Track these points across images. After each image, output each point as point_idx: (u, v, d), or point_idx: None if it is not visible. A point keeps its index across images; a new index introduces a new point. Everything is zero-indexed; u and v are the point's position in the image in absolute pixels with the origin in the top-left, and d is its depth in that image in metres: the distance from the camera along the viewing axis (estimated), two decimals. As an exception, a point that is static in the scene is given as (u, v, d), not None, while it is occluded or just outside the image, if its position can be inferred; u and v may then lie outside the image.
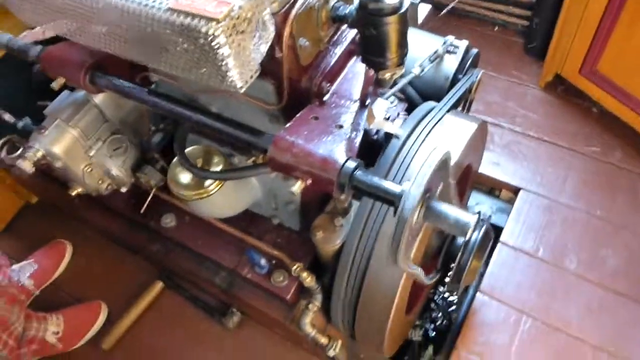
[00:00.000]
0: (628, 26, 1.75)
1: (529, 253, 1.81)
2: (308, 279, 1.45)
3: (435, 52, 1.55)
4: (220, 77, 0.84)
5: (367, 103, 1.24)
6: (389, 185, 0.96)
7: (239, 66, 0.83)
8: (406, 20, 0.98)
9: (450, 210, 0.96)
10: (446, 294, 1.99)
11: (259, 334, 1.79)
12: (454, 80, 1.58)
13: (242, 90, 0.88)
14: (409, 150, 1.34)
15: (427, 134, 1.37)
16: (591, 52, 1.93)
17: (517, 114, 2.15)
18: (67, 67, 1.21)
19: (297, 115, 1.07)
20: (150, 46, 0.90)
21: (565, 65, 2.06)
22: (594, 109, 2.09)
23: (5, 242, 2.03)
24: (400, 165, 1.32)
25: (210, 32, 0.76)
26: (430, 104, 1.48)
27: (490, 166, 2.01)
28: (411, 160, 1.32)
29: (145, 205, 1.64)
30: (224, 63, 0.81)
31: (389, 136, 1.42)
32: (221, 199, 1.38)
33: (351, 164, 0.97)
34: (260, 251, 1.54)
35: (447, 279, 1.88)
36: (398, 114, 1.57)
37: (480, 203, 2.05)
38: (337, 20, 1.06)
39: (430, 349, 1.95)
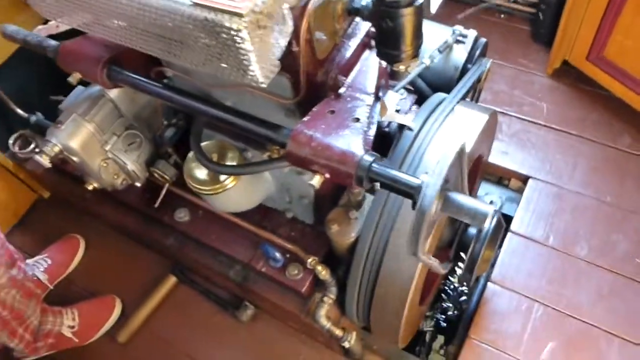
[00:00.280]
0: (635, 11, 1.75)
1: (539, 241, 1.82)
2: (323, 272, 1.47)
3: (445, 42, 1.55)
4: (242, 72, 0.85)
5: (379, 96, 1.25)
6: (407, 177, 0.97)
7: (261, 61, 0.84)
8: (422, 12, 0.98)
9: (467, 201, 0.97)
10: (456, 284, 2.01)
11: (272, 327, 1.80)
12: (464, 70, 1.59)
13: (264, 85, 0.88)
14: (421, 142, 1.35)
15: (439, 126, 1.38)
16: (598, 38, 1.93)
17: (524, 102, 2.15)
18: (84, 62, 1.22)
19: (314, 109, 1.07)
20: (171, 40, 0.91)
21: (573, 52, 2.06)
22: (603, 95, 2.09)
23: (19, 237, 2.04)
24: (414, 157, 1.33)
25: (234, 26, 0.77)
26: (441, 95, 1.48)
27: (499, 155, 2.01)
28: (424, 152, 1.33)
29: (159, 199, 1.66)
30: (246, 58, 0.82)
31: (400, 128, 1.43)
32: (236, 193, 1.39)
33: (369, 157, 0.98)
34: (275, 245, 1.56)
35: (457, 269, 1.91)
36: (409, 106, 1.58)
37: (490, 193, 2.06)
38: (353, 13, 1.06)
39: (440, 339, 1.97)
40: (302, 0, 0.94)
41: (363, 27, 1.19)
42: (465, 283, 1.85)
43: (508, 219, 1.88)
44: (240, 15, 0.76)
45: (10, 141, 1.88)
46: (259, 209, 1.60)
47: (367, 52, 1.20)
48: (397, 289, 1.33)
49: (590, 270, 1.74)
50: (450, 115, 1.40)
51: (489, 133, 1.58)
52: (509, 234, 1.84)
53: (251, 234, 1.62)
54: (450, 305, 1.99)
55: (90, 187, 1.56)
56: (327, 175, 1.01)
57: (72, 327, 1.76)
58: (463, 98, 1.48)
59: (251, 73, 0.85)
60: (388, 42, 1.02)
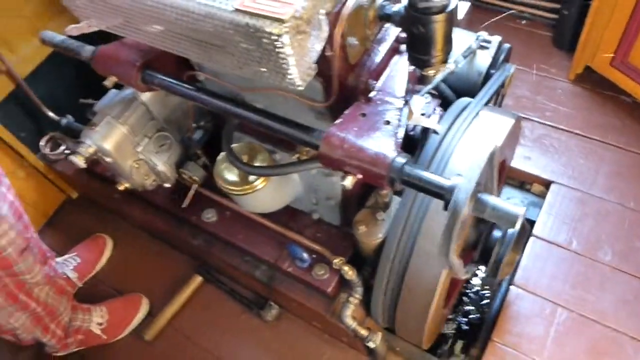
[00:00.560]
0: (662, 17, 1.76)
1: (562, 246, 1.82)
2: (350, 273, 1.49)
3: (469, 47, 1.57)
4: (280, 76, 0.88)
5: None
6: (438, 179, 0.99)
7: (299, 65, 0.87)
8: (453, 18, 1.01)
9: (498, 202, 0.99)
10: (478, 288, 2.02)
11: (296, 326, 1.83)
12: (487, 76, 1.60)
13: (301, 88, 0.91)
14: (448, 146, 1.37)
15: (465, 130, 1.40)
16: (623, 44, 1.93)
17: (547, 107, 2.15)
18: (120, 66, 1.26)
19: (346, 112, 1.10)
20: (210, 45, 0.94)
21: (596, 58, 2.06)
22: (626, 101, 2.09)
23: (48, 236, 2.09)
24: (440, 160, 1.35)
25: (276, 32, 0.79)
26: (466, 99, 1.50)
27: (522, 160, 2.02)
28: (450, 155, 1.35)
29: (188, 200, 1.70)
30: (285, 62, 0.85)
31: (424, 132, 1.45)
32: (265, 194, 1.42)
33: (401, 159, 1.01)
34: (301, 245, 1.58)
35: (479, 273, 1.91)
36: (434, 110, 1.60)
37: (512, 197, 2.07)
38: (384, 19, 1.09)
39: (460, 343, 1.98)
40: (336, 6, 0.97)
41: (392, 32, 1.21)
42: (488, 286, 1.86)
43: (530, 223, 1.89)
44: (282, 21, 0.79)
45: (42, 143, 1.94)
46: (285, 210, 1.63)
47: (396, 57, 1.23)
48: (423, 290, 1.35)
49: (614, 275, 1.74)
50: (475, 120, 1.42)
51: (513, 138, 1.59)
52: (531, 238, 1.85)
53: (278, 235, 1.65)
54: (472, 308, 2.00)
55: (121, 188, 1.60)
56: (360, 176, 1.03)
57: (101, 324, 1.80)
58: (487, 103, 1.50)
59: (289, 77, 0.88)
60: (419, 48, 1.04)
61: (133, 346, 1.86)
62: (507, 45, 1.63)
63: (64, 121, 1.91)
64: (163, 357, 1.84)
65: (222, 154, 1.43)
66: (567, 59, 2.25)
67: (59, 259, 1.91)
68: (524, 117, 2.11)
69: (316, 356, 1.78)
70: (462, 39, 1.62)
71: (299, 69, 0.87)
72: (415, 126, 1.46)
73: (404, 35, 1.20)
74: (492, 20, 2.23)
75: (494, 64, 1.60)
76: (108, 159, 1.47)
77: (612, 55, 1.99)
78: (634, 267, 1.74)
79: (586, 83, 2.18)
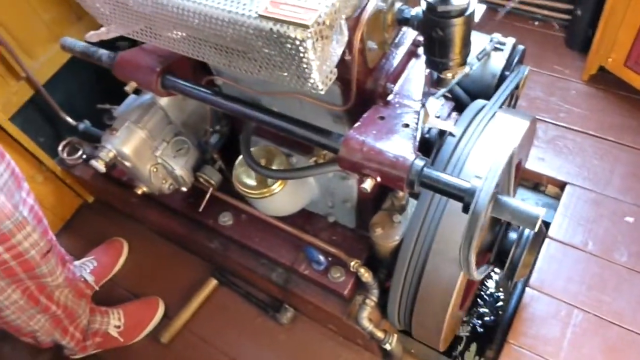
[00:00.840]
0: (677, 17, 1.75)
1: (577, 247, 1.82)
2: (366, 275, 1.50)
3: (483, 50, 1.58)
4: (302, 80, 0.89)
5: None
6: (458, 181, 1.00)
7: (321, 69, 0.88)
8: (472, 22, 1.01)
9: (518, 204, 0.99)
10: (493, 290, 2.02)
11: (312, 329, 1.83)
12: (501, 78, 1.61)
13: (322, 92, 0.92)
14: (464, 148, 1.37)
15: (481, 132, 1.40)
16: (637, 44, 1.93)
17: (560, 108, 2.15)
18: (140, 72, 1.27)
19: (364, 115, 1.11)
20: (232, 50, 0.95)
21: (610, 58, 2.06)
22: (640, 102, 2.09)
23: (65, 240, 2.10)
24: (457, 162, 1.35)
25: (300, 37, 0.81)
26: (481, 101, 1.51)
27: (536, 161, 2.02)
28: (467, 157, 1.35)
29: (204, 204, 1.71)
30: (308, 67, 0.86)
31: (440, 134, 1.46)
32: (283, 197, 1.44)
33: (420, 162, 1.01)
34: (317, 248, 1.59)
35: (494, 275, 1.91)
36: (449, 113, 1.60)
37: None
38: (402, 23, 1.10)
39: (474, 346, 1.98)
40: (356, 11, 0.98)
41: (409, 35, 1.22)
42: (503, 288, 1.86)
43: (545, 224, 1.89)
44: (306, 27, 0.80)
45: (60, 148, 1.97)
46: (301, 213, 1.64)
47: (413, 60, 1.24)
48: (440, 292, 1.35)
49: (630, 276, 1.73)
50: (491, 122, 1.42)
51: (528, 139, 1.60)
52: (546, 240, 1.84)
53: (293, 238, 1.66)
54: (487, 310, 2.00)
55: (139, 192, 1.62)
56: (379, 179, 1.04)
57: (118, 327, 1.81)
58: (501, 105, 1.51)
59: (311, 81, 0.89)
60: (437, 51, 1.05)
61: (149, 349, 1.87)
62: (521, 47, 1.63)
63: (81, 126, 1.94)
64: (179, 360, 1.86)
65: (240, 157, 1.44)
66: (581, 59, 2.25)
67: (76, 263, 1.93)
68: (537, 119, 2.11)
69: (331, 359, 1.78)
70: (476, 40, 1.62)
71: (320, 74, 0.88)
72: (430, 129, 1.46)
73: (421, 38, 1.21)
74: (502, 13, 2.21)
75: (508, 66, 1.60)
76: (127, 164, 1.48)
77: (626, 55, 1.99)
78: (650, 269, 1.74)
79: (600, 84, 2.18)
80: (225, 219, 1.73)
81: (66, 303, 1.58)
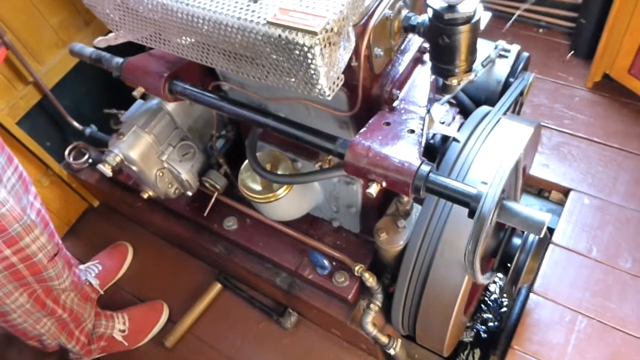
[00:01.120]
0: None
1: (582, 253, 1.82)
2: (370, 279, 1.50)
3: (488, 57, 1.59)
4: (310, 86, 0.90)
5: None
6: (463, 186, 1.00)
7: (328, 76, 0.89)
8: (478, 29, 1.02)
9: (523, 210, 1.00)
10: (496, 295, 2.02)
11: (315, 334, 1.84)
12: (506, 84, 1.62)
13: (329, 98, 0.93)
14: (468, 153, 1.38)
15: (485, 138, 1.41)
16: (641, 52, 1.94)
17: (565, 115, 2.16)
18: (148, 77, 1.28)
19: (370, 121, 1.12)
20: (240, 56, 0.96)
21: (614, 65, 2.07)
22: (645, 109, 2.09)
23: (70, 244, 2.12)
24: (461, 168, 1.36)
25: (308, 43, 0.82)
26: (486, 108, 1.51)
27: (540, 168, 2.03)
28: (471, 163, 1.36)
29: (209, 208, 1.72)
30: (315, 73, 0.87)
31: (444, 140, 1.47)
32: (288, 202, 1.44)
33: (426, 167, 1.02)
34: (322, 253, 1.60)
35: (498, 280, 1.91)
36: (453, 119, 1.61)
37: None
38: (409, 30, 1.11)
39: (477, 351, 1.98)
40: (363, 18, 0.99)
41: (415, 42, 1.23)
42: (507, 294, 1.86)
43: (550, 231, 1.89)
44: (314, 33, 0.81)
45: (66, 152, 1.98)
46: (305, 218, 1.65)
47: (419, 67, 1.25)
48: (444, 297, 1.35)
49: (635, 283, 1.73)
50: (495, 128, 1.43)
51: (533, 145, 1.60)
52: (550, 246, 1.85)
53: (297, 242, 1.67)
54: (491, 316, 2.00)
55: (145, 196, 1.63)
56: (384, 184, 1.05)
57: (123, 331, 1.82)
58: (506, 111, 1.51)
59: (319, 87, 0.90)
60: (443, 58, 1.06)
61: (154, 353, 1.88)
62: (525, 54, 1.64)
63: (87, 131, 1.95)
64: (183, 364, 1.86)
65: (245, 162, 1.45)
66: (585, 67, 2.26)
67: (81, 267, 1.94)
68: (542, 125, 2.12)
69: (335, 363, 1.79)
70: (481, 48, 1.63)
71: (327, 80, 0.89)
72: (434, 134, 1.47)
73: (426, 45, 1.22)
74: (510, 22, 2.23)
75: (512, 73, 1.61)
76: (134, 168, 1.49)
77: (630, 63, 1.99)
78: (655, 275, 1.74)
79: (604, 91, 2.19)
80: (230, 224, 1.74)
81: (72, 307, 1.59)
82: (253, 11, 0.88)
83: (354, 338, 1.72)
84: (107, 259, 2.03)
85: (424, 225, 1.34)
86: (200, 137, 1.65)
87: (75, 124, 1.94)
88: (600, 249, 1.82)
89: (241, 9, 0.88)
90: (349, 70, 1.05)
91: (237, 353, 1.84)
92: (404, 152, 1.04)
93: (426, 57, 1.26)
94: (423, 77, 1.24)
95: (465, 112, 1.58)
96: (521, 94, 1.64)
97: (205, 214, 1.75)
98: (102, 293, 1.94)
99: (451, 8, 0.96)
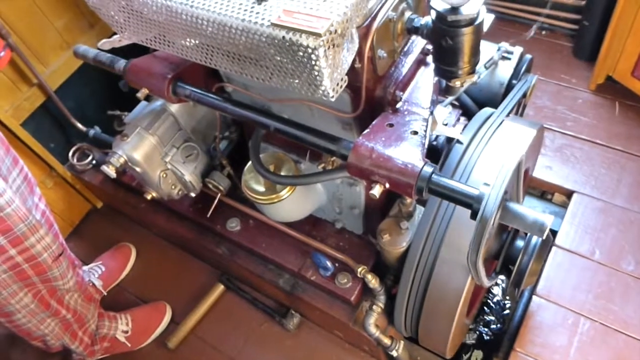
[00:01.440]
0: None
1: (585, 256, 1.82)
2: (373, 281, 1.50)
3: (490, 58, 1.59)
4: (313, 88, 0.91)
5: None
6: (466, 188, 1.00)
7: (332, 77, 0.89)
8: (481, 31, 1.02)
9: (526, 211, 1.00)
10: (499, 298, 2.02)
11: (318, 335, 1.84)
12: (509, 86, 1.62)
13: (333, 100, 0.93)
14: (471, 155, 1.38)
15: (489, 140, 1.41)
16: (644, 54, 1.94)
17: (568, 117, 2.16)
18: (152, 78, 1.29)
19: (373, 122, 1.12)
20: (244, 58, 0.97)
21: (617, 68, 2.07)
22: (648, 111, 2.09)
23: (73, 245, 2.13)
24: (464, 170, 1.36)
25: (312, 45, 0.82)
26: (489, 110, 1.52)
27: (543, 170, 2.03)
28: (474, 165, 1.36)
29: (212, 209, 1.72)
30: (319, 74, 0.87)
31: (447, 141, 1.47)
32: (291, 203, 1.45)
33: (428, 169, 1.02)
34: (325, 254, 1.60)
35: (501, 282, 1.90)
36: (456, 120, 1.61)
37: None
38: (412, 31, 1.11)
39: (480, 353, 1.98)
40: (367, 20, 1.00)
41: (419, 44, 1.24)
42: (509, 296, 1.86)
43: (552, 233, 1.89)
44: (318, 35, 0.81)
45: (70, 153, 1.99)
46: (308, 219, 1.65)
47: (422, 68, 1.25)
48: (447, 299, 1.36)
49: (637, 285, 1.73)
50: (498, 130, 1.43)
51: (535, 147, 1.60)
52: (553, 248, 1.85)
53: (300, 244, 1.67)
54: (493, 318, 2.00)
55: (148, 197, 1.63)
56: (387, 186, 1.05)
57: (126, 332, 1.82)
58: (508, 113, 1.52)
59: (322, 88, 0.90)
60: (446, 59, 1.06)
61: (157, 354, 1.88)
62: (528, 56, 1.65)
63: (91, 132, 1.96)
64: (186, 365, 1.86)
65: (249, 163, 1.45)
66: (588, 69, 2.26)
67: (84, 268, 1.94)
68: (545, 127, 2.11)
69: (338, 365, 1.79)
70: (484, 49, 1.63)
71: (331, 81, 0.90)
72: (437, 136, 1.47)
73: (430, 47, 1.23)
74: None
75: (515, 75, 1.62)
76: (138, 169, 1.50)
77: (633, 65, 1.99)
78: (658, 278, 1.73)
79: (607, 93, 2.19)
80: (233, 225, 1.75)
81: (76, 307, 1.59)
82: (257, 13, 0.88)
83: (356, 340, 1.72)
84: (110, 260, 2.03)
85: (426, 226, 1.34)
86: (204, 138, 1.66)
87: (79, 125, 1.95)
88: (603, 252, 1.82)
89: (245, 10, 0.89)
90: (352, 72, 1.05)
91: (239, 354, 1.84)
92: (407, 153, 1.04)
93: (429, 58, 1.27)
94: (426, 78, 1.24)
95: (468, 114, 1.58)
96: (524, 95, 1.64)
97: (208, 215, 1.75)
98: (105, 294, 1.95)
99: (454, 10, 0.96)
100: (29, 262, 1.32)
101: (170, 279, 2.04)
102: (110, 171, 1.44)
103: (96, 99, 2.04)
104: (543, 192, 2.09)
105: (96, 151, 2.02)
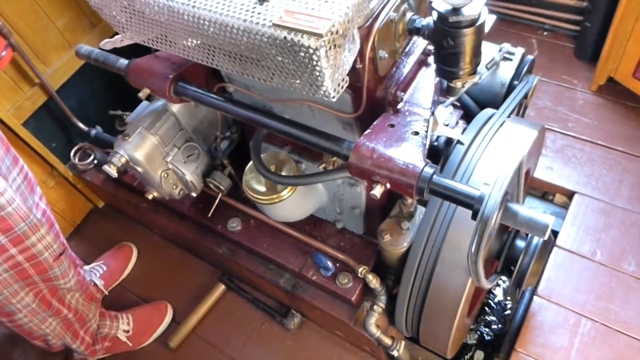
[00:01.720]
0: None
1: (586, 256, 1.82)
2: (374, 281, 1.51)
3: (492, 59, 1.59)
4: (315, 88, 0.91)
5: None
6: (467, 188, 1.00)
7: (333, 77, 0.89)
8: (482, 32, 1.03)
9: (527, 211, 1.00)
10: (500, 298, 2.02)
11: (319, 335, 1.84)
12: (510, 87, 1.62)
13: (334, 100, 0.94)
14: (472, 156, 1.38)
15: (490, 140, 1.41)
16: (646, 56, 1.94)
17: (569, 118, 2.16)
18: (153, 78, 1.29)
19: (374, 123, 1.12)
20: (246, 58, 0.97)
21: (619, 69, 2.07)
22: (649, 113, 2.09)
23: (74, 244, 2.13)
24: (465, 170, 1.36)
25: (313, 46, 0.82)
26: (490, 110, 1.52)
27: (544, 170, 2.03)
28: (475, 166, 1.36)
29: (213, 209, 1.73)
30: (321, 75, 0.87)
31: (448, 142, 1.47)
32: (292, 203, 1.45)
33: (429, 169, 1.02)
34: (325, 254, 1.60)
35: (502, 283, 1.90)
36: (457, 121, 1.62)
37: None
38: (413, 32, 1.11)
39: (481, 354, 1.98)
40: (368, 20, 1.00)
41: (420, 45, 1.24)
42: (510, 296, 1.86)
43: (554, 233, 1.89)
44: (319, 36, 0.81)
45: (71, 153, 1.99)
46: (309, 219, 1.65)
47: (423, 69, 1.25)
48: (448, 299, 1.36)
49: (639, 286, 1.73)
50: (499, 131, 1.43)
51: (536, 148, 1.60)
52: (555, 249, 1.85)
53: (301, 244, 1.68)
54: (494, 318, 2.00)
55: (150, 197, 1.63)
56: (388, 186, 1.05)
57: (127, 331, 1.83)
58: (510, 114, 1.52)
59: (323, 89, 0.90)
60: (448, 60, 1.06)
61: (158, 353, 1.88)
62: (530, 57, 1.65)
63: (93, 132, 1.96)
64: (187, 365, 1.87)
65: (250, 163, 1.46)
66: (589, 70, 2.26)
67: (86, 267, 1.95)
68: (546, 128, 2.12)
69: (339, 365, 1.79)
70: (485, 50, 1.64)
71: (332, 82, 0.90)
72: (438, 137, 1.48)
73: (431, 47, 1.23)
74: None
75: (517, 76, 1.62)
76: (139, 169, 1.50)
77: (634, 66, 1.99)
78: (659, 278, 1.73)
79: (609, 94, 2.19)
80: (234, 225, 1.75)
81: (77, 307, 1.60)
82: (259, 13, 0.88)
83: (357, 340, 1.72)
84: (111, 259, 2.04)
85: (427, 227, 1.35)
86: (205, 138, 1.66)
87: (81, 125, 1.95)
88: (604, 252, 1.81)
89: (247, 11, 0.89)
90: (353, 72, 1.05)
91: (240, 354, 1.85)
92: (408, 154, 1.04)
93: (431, 59, 1.27)
94: (427, 79, 1.24)
95: (469, 115, 1.58)
96: (525, 96, 1.64)
97: (209, 215, 1.76)
98: (107, 293, 1.95)
99: (456, 11, 0.96)
100: (29, 261, 1.33)
101: (171, 279, 2.04)
102: (112, 171, 1.44)
103: (98, 99, 2.05)
104: (544, 192, 2.09)
105: (98, 151, 2.02)
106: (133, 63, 1.34)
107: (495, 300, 2.03)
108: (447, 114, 1.45)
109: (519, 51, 1.62)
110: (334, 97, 0.93)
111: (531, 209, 1.01)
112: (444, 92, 1.27)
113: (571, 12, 2.32)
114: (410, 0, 1.09)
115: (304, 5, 0.87)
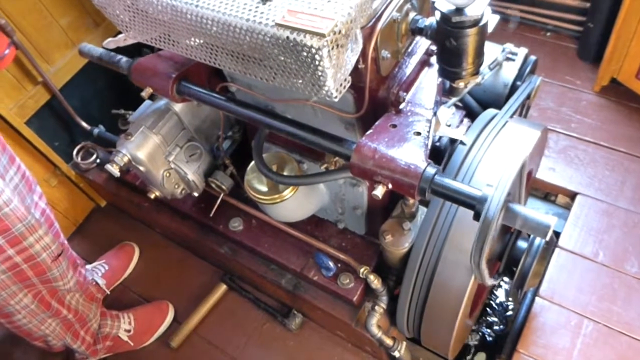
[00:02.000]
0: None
1: (588, 257, 1.82)
2: (375, 281, 1.50)
3: (495, 60, 1.59)
4: (317, 88, 0.91)
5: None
6: (469, 189, 1.00)
7: (335, 77, 0.89)
8: (485, 32, 1.02)
9: (529, 212, 1.00)
10: (502, 299, 2.02)
11: (320, 335, 1.84)
12: (513, 88, 1.62)
13: (336, 100, 0.93)
14: (474, 156, 1.38)
15: (492, 141, 1.41)
16: (649, 56, 1.94)
17: (572, 119, 2.15)
18: (156, 78, 1.29)
19: (377, 123, 1.12)
20: (248, 58, 0.97)
21: (622, 70, 2.07)
22: (652, 114, 2.09)
23: (76, 243, 2.14)
24: (467, 171, 1.36)
25: (316, 45, 0.82)
26: (493, 111, 1.51)
27: (547, 171, 2.02)
28: (477, 166, 1.36)
29: (215, 209, 1.73)
30: (323, 75, 0.87)
31: (450, 143, 1.47)
32: (294, 203, 1.45)
33: (431, 170, 1.02)
34: (327, 254, 1.60)
35: (504, 284, 1.90)
36: (460, 121, 1.61)
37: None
38: (416, 32, 1.11)
39: (482, 355, 1.98)
40: (371, 20, 1.00)
41: (423, 45, 1.23)
42: (513, 297, 1.86)
43: (556, 234, 1.88)
44: (322, 35, 0.81)
45: (74, 152, 2.00)
46: (311, 219, 1.65)
47: (426, 69, 1.25)
48: (449, 300, 1.35)
49: (641, 287, 1.73)
50: (502, 131, 1.43)
51: (539, 149, 1.60)
52: (557, 250, 1.84)
53: (303, 244, 1.67)
54: (496, 319, 2.00)
55: (152, 196, 1.64)
56: (390, 186, 1.05)
57: (128, 331, 1.83)
58: (512, 115, 1.51)
59: (326, 88, 0.90)
60: (451, 60, 1.06)
61: (159, 353, 1.89)
62: (533, 58, 1.64)
63: (95, 131, 1.97)
64: (188, 365, 1.87)
65: (252, 163, 1.46)
66: (592, 71, 2.26)
67: (88, 266, 1.95)
68: (549, 129, 2.11)
69: (340, 365, 1.79)
70: (488, 50, 1.63)
71: (335, 81, 0.90)
72: (441, 137, 1.47)
73: (434, 47, 1.23)
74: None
75: (520, 76, 1.61)
76: (141, 168, 1.50)
77: (638, 67, 1.99)
78: (661, 280, 1.73)
79: (612, 95, 2.18)
80: (236, 224, 1.75)
81: (77, 307, 1.60)
82: (262, 13, 0.88)
83: (358, 340, 1.72)
84: (113, 258, 2.04)
85: (429, 227, 1.34)
86: (207, 138, 1.66)
87: (84, 124, 1.96)
88: (606, 253, 1.81)
89: (250, 10, 0.89)
90: (356, 72, 1.05)
91: (241, 354, 1.85)
92: (410, 154, 1.04)
93: (433, 59, 1.26)
94: (430, 79, 1.24)
95: (472, 115, 1.58)
96: (528, 97, 1.64)
97: (211, 215, 1.76)
98: (109, 293, 1.95)
99: (459, 11, 0.96)
100: (27, 262, 1.32)
101: (173, 278, 2.04)
102: (114, 170, 1.44)
103: (101, 98, 2.05)
104: (546, 193, 2.09)
105: (100, 150, 2.03)
106: (136, 62, 1.34)
107: (497, 301, 2.03)
108: (449, 114, 1.44)
109: (522, 51, 1.62)
110: (336, 97, 0.92)
111: (533, 210, 1.00)
112: (446, 92, 1.27)
113: (574, 12, 2.31)
114: (413, 0, 1.09)
115: (306, 5, 0.87)
